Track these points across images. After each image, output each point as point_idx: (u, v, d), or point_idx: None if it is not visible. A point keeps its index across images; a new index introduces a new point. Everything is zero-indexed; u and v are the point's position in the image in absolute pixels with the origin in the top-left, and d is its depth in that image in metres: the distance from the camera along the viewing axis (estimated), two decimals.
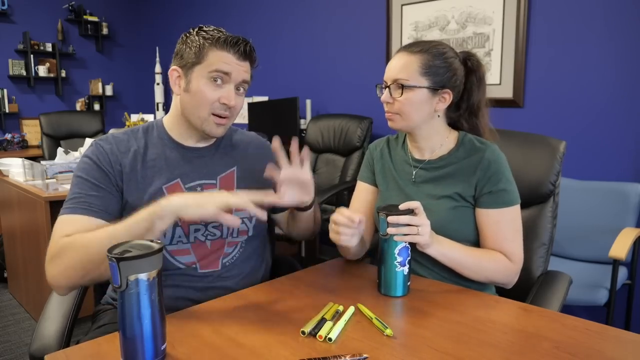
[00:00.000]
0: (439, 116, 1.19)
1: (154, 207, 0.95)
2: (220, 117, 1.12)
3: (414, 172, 1.22)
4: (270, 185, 1.27)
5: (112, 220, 1.05)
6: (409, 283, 1.04)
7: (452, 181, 1.16)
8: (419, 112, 1.15)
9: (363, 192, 1.32)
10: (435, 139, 1.20)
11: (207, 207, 0.94)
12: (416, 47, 1.16)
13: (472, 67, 1.20)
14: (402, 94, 1.13)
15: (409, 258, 1.03)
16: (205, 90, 1.09)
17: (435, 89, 1.14)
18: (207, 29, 1.12)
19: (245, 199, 0.96)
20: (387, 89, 1.16)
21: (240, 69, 1.12)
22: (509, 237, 1.12)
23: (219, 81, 1.10)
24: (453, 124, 1.25)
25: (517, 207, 1.14)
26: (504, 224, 1.12)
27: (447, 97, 1.17)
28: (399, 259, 1.02)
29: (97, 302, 1.27)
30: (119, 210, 1.10)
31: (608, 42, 2.27)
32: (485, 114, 1.24)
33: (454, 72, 1.16)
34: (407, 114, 1.15)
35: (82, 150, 2.93)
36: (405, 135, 1.28)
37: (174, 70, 1.14)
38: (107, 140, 1.14)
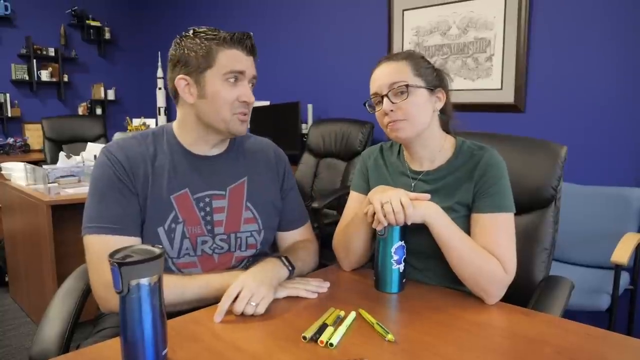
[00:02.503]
0: (438, 115, 1.17)
1: (228, 280, 1.00)
2: (242, 114, 1.12)
3: (412, 184, 1.19)
4: (279, 197, 1.26)
5: (140, 231, 1.08)
6: (404, 280, 1.10)
7: (452, 191, 1.13)
8: (424, 114, 1.13)
9: (357, 203, 1.25)
10: (433, 146, 1.17)
11: (276, 293, 1.04)
12: (397, 55, 1.16)
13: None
14: (407, 96, 1.10)
15: (405, 256, 1.09)
16: (222, 92, 1.08)
17: (430, 89, 1.14)
18: (202, 31, 1.09)
19: (302, 290, 1.07)
20: (384, 98, 1.12)
21: (249, 64, 1.12)
22: (502, 243, 1.06)
23: (232, 80, 1.09)
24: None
25: (512, 215, 1.09)
26: (497, 229, 1.07)
27: (442, 97, 1.17)
28: (395, 257, 1.07)
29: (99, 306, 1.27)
30: (141, 216, 1.09)
31: (610, 47, 2.27)
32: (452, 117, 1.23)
33: (439, 73, 1.17)
34: (415, 117, 1.11)
35: (84, 154, 2.93)
36: (401, 144, 1.25)
37: (182, 80, 1.09)
38: (118, 146, 1.11)
